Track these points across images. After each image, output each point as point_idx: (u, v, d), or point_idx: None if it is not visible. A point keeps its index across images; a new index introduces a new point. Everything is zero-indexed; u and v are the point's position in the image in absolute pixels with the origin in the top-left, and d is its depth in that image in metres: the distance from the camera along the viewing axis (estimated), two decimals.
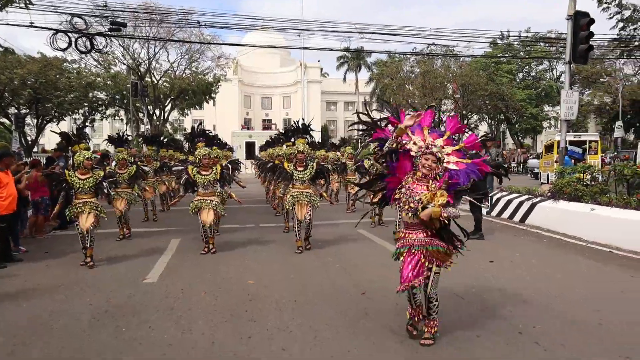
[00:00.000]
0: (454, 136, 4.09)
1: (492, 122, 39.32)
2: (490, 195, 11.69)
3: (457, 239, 3.95)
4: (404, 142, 3.83)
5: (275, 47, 26.46)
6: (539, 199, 9.71)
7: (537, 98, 35.08)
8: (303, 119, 9.44)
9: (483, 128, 44.66)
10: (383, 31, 16.71)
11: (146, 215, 11.05)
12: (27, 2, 10.98)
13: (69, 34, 13.94)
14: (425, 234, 3.82)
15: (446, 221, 3.71)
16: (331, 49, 22.11)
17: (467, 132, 4.30)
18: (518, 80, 35.56)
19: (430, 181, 3.72)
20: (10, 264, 7.00)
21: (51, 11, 14.43)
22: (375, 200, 4.20)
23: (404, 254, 3.90)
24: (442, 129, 4.15)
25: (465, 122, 37.35)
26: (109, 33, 20.89)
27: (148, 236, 9.28)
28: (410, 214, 3.78)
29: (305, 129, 8.88)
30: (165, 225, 10.58)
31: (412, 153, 3.83)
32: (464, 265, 6.68)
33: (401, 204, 3.85)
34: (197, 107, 43.80)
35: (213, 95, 40.86)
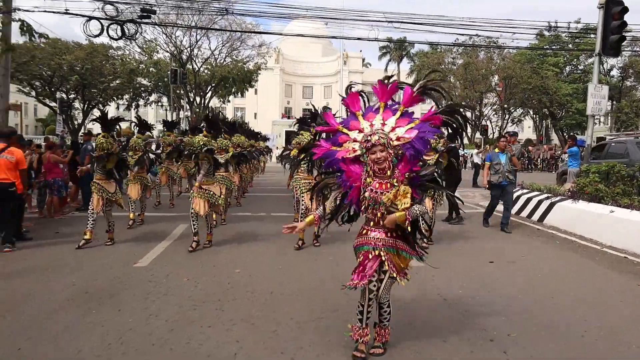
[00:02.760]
0: (409, 109, 3.49)
1: (536, 117, 37.76)
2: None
3: (420, 247, 3.63)
4: (345, 146, 3.44)
5: (301, 35, 26.36)
6: (558, 198, 9.21)
7: (584, 93, 33.21)
8: (314, 108, 9.17)
9: (527, 123, 43.13)
10: (412, 20, 16.22)
11: (158, 199, 11.25)
12: None
13: (101, 21, 14.33)
14: (389, 235, 3.43)
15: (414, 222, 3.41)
16: (359, 38, 21.66)
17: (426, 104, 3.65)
18: (565, 73, 33.85)
19: (388, 172, 3.30)
20: (19, 242, 7.29)
21: None
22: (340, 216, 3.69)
23: (362, 254, 3.46)
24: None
25: (508, 116, 36.15)
26: (147, 21, 21.46)
27: (158, 221, 9.44)
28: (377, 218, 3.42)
29: (314, 118, 8.70)
30: (178, 211, 10.74)
31: (357, 152, 3.40)
32: (460, 264, 6.49)
33: (369, 210, 3.42)
34: (237, 94, 44.32)
35: (253, 83, 41.17)
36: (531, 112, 37.04)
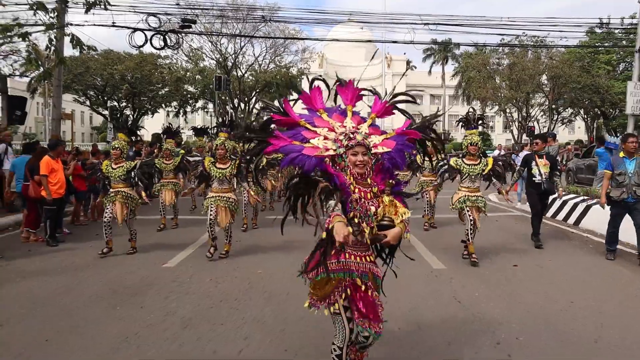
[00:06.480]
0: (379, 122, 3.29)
1: (587, 117, 36.17)
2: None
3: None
4: (314, 142, 2.88)
5: (338, 40, 26.41)
6: (594, 200, 8.87)
7: None
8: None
9: (577, 124, 41.44)
10: (449, 22, 16.06)
11: (194, 203, 11.61)
12: (106, 2, 11.93)
13: (145, 32, 15.05)
14: (368, 259, 2.88)
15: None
16: (395, 41, 21.61)
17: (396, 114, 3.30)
18: (619, 71, 32.23)
19: (369, 180, 2.82)
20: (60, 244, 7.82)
21: (132, 11, 15.63)
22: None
23: (344, 284, 2.84)
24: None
25: (557, 117, 34.86)
26: (192, 30, 22.37)
27: (193, 224, 9.73)
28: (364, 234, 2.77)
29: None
30: None
31: (331, 151, 2.84)
32: (483, 267, 6.40)
33: (358, 223, 2.76)
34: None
35: (298, 88, 41.60)
36: (582, 112, 35.56)
